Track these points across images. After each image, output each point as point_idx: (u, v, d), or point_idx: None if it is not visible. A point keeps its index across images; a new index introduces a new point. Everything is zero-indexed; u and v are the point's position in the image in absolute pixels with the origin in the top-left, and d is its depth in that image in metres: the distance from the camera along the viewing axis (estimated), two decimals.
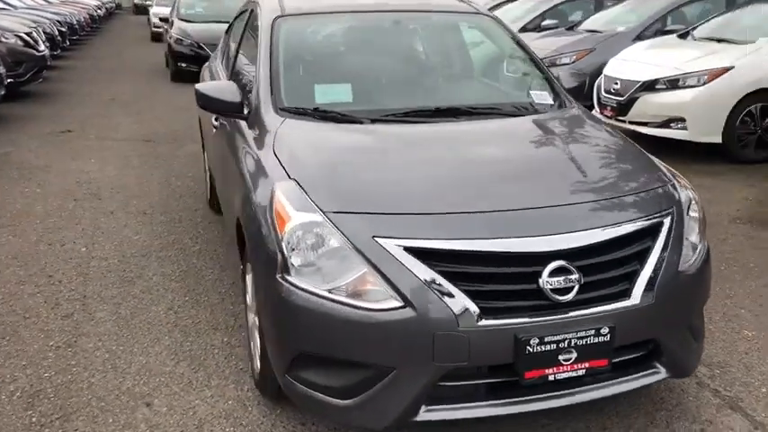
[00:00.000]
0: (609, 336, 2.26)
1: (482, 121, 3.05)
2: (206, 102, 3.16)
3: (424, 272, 2.18)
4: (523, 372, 2.21)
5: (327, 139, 2.80)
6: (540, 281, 2.21)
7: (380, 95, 3.22)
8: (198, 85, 3.21)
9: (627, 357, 2.39)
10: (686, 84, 6.38)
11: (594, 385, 2.34)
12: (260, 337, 2.61)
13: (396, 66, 3.45)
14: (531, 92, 3.37)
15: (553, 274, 2.21)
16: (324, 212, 2.33)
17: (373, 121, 2.94)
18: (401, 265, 2.19)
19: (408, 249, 2.21)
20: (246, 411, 2.78)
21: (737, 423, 2.66)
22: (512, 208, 2.34)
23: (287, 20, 3.45)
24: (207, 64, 5.53)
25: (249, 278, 2.83)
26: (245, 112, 3.14)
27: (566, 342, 2.22)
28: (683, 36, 7.52)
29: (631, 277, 2.34)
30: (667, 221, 2.47)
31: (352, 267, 2.23)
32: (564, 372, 2.25)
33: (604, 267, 2.31)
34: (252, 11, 4.04)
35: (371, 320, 2.18)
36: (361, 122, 2.92)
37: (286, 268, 2.33)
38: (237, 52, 4.07)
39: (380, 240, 2.23)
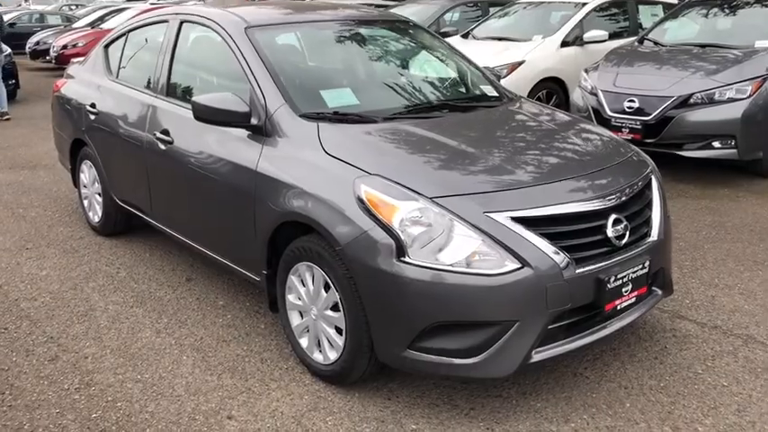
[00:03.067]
0: (648, 267, 2.90)
1: (480, 112, 3.51)
2: (211, 114, 3.16)
3: (531, 236, 2.60)
4: (604, 305, 2.75)
5: (377, 137, 3.03)
6: (607, 231, 2.76)
7: (377, 97, 3.50)
8: (197, 98, 3.19)
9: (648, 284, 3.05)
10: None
11: (632, 309, 2.95)
12: (350, 327, 2.78)
13: (374, 70, 3.73)
14: (481, 87, 3.90)
15: (613, 224, 2.78)
16: (430, 198, 2.62)
17: (385, 119, 3.23)
18: (513, 233, 2.58)
19: (515, 219, 2.61)
20: (328, 401, 2.92)
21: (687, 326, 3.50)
22: (572, 176, 2.85)
23: (256, 30, 3.54)
24: (68, 87, 5.14)
25: (307, 278, 2.96)
26: (254, 121, 3.21)
27: (626, 277, 2.80)
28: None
29: (648, 220, 3.01)
30: (653, 177, 3.19)
31: (469, 241, 2.56)
32: (626, 301, 2.84)
33: (637, 214, 2.95)
34: (179, 24, 3.99)
35: (495, 284, 2.54)
36: (376, 122, 3.19)
37: (402, 252, 2.57)
38: (171, 66, 3.97)
39: (492, 215, 2.59)
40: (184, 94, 3.88)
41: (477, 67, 4.10)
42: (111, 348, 3.37)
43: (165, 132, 3.82)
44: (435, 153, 2.91)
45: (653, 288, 3.12)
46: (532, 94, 7.74)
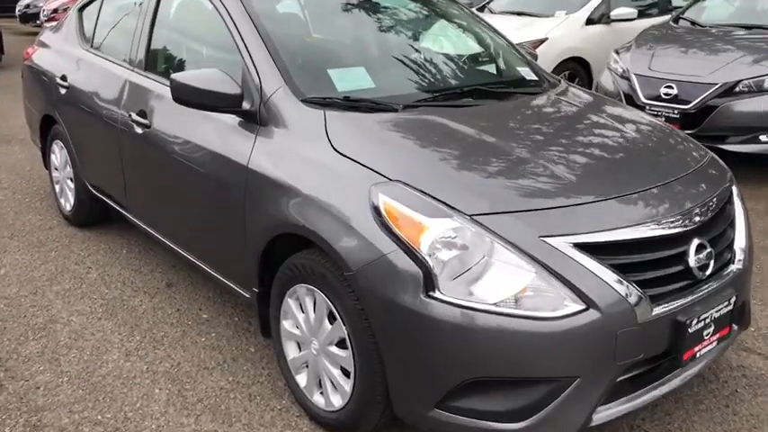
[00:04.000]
0: (733, 303, 2.32)
1: (521, 100, 2.89)
2: (193, 95, 2.56)
3: (597, 268, 2.01)
4: (683, 353, 2.17)
5: (398, 130, 2.43)
6: (689, 260, 2.18)
7: (396, 78, 2.88)
8: (177, 75, 2.58)
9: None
10: None
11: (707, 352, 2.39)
12: (360, 371, 2.21)
13: (392, 46, 3.11)
14: (518, 69, 3.29)
15: (696, 251, 2.20)
16: (469, 216, 2.03)
17: (406, 107, 2.62)
18: (576, 263, 2.00)
19: (578, 246, 2.02)
20: None
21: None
22: (645, 188, 2.26)
23: None
24: (40, 55, 4.51)
25: (307, 303, 2.39)
26: (246, 106, 2.60)
27: (709, 317, 2.22)
28: None
29: (731, 244, 2.43)
30: (734, 188, 2.60)
31: (520, 274, 1.98)
32: (706, 346, 2.27)
33: (720, 237, 2.36)
34: None
35: (552, 330, 1.96)
36: (396, 110, 2.59)
37: (431, 285, 1.99)
38: (151, 36, 3.35)
39: (549, 240, 2.01)
40: (165, 70, 3.26)
41: (512, 45, 3.48)
42: (70, 376, 2.80)
43: (142, 114, 3.21)
44: (473, 154, 2.31)
45: (731, 323, 2.55)
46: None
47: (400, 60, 3.01)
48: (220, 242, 2.84)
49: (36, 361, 2.90)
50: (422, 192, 2.11)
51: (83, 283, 3.62)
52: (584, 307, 1.97)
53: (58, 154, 4.39)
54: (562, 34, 7.26)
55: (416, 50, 3.12)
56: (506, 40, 3.48)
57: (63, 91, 4.02)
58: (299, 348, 2.54)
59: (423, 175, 2.18)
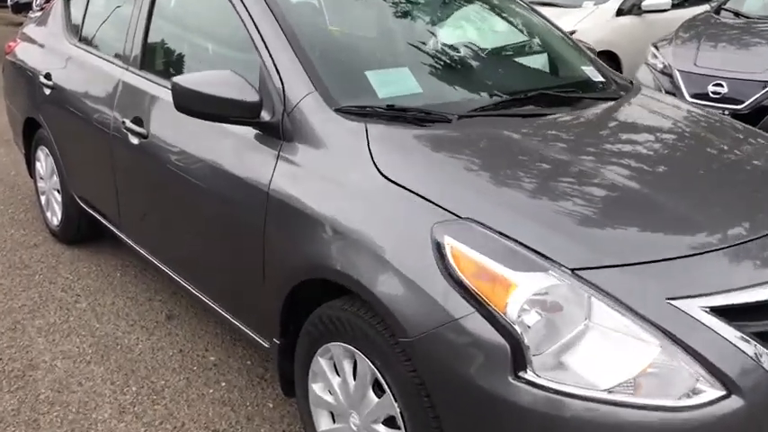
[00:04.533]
0: None
1: (601, 109, 2.38)
2: (200, 103, 2.06)
3: (737, 338, 1.52)
4: None
5: (459, 150, 1.93)
6: None
7: (445, 81, 2.38)
8: (179, 79, 2.08)
9: None
10: None
11: None
12: None
13: (438, 41, 2.60)
14: (582, 68, 2.78)
15: None
16: (570, 269, 1.54)
17: (462, 117, 2.12)
18: (710, 332, 1.50)
19: (714, 310, 1.53)
20: None
21: None
22: None
23: None
24: (23, 50, 4.00)
25: (345, 366, 1.90)
26: (267, 117, 2.10)
27: None
28: None
29: None
30: None
31: (641, 348, 1.49)
32: None
33: None
34: None
35: (687, 423, 1.47)
36: (449, 121, 2.09)
37: (521, 363, 1.50)
38: (148, 29, 2.84)
39: (677, 303, 1.51)
40: (164, 69, 2.76)
41: (571, 40, 2.97)
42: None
43: (137, 121, 2.71)
44: (561, 183, 1.81)
45: None
46: None
47: (446, 58, 2.50)
48: (233, 279, 2.35)
49: (10, 423, 2.41)
50: (503, 234, 1.61)
51: (70, 315, 3.12)
52: (724, 393, 1.48)
53: (44, 162, 3.88)
54: (591, 26, 6.73)
55: (464, 46, 2.60)
56: (564, 33, 2.97)
57: (47, 91, 3.51)
58: (333, 419, 2.05)
59: (500, 212, 1.68)
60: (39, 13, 4.56)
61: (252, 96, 2.07)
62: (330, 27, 2.48)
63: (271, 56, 2.16)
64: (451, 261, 1.60)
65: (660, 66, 5.54)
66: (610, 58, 6.94)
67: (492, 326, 1.52)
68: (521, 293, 1.52)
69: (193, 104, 2.07)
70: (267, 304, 2.16)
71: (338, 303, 1.90)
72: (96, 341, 2.91)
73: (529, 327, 1.50)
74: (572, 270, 1.53)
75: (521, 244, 1.58)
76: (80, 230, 3.78)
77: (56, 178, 3.75)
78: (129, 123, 2.74)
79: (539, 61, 2.73)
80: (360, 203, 1.83)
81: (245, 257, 2.21)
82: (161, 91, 2.63)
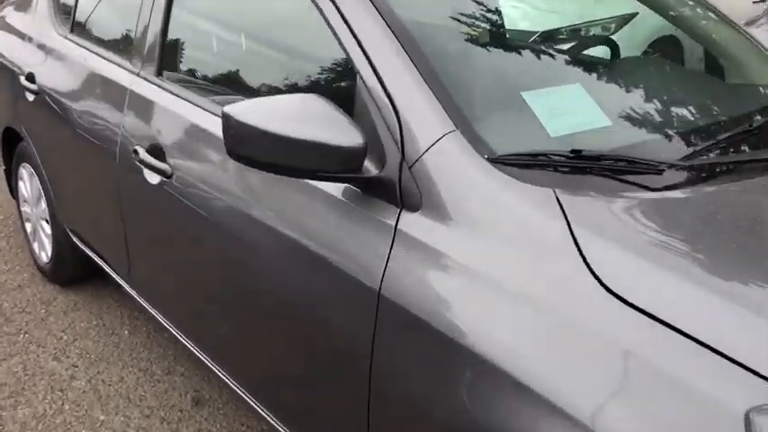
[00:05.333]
0: None
1: None
2: (275, 148, 1.27)
3: None
4: None
5: (709, 235, 1.16)
6: None
7: (628, 106, 1.58)
8: (232, 109, 1.28)
9: None
10: None
11: None
12: None
13: (607, 49, 1.81)
14: None
15: None
16: None
17: (671, 166, 1.33)
18: None
19: None
20: None
21: None
22: None
23: None
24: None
25: None
26: (373, 170, 1.32)
27: None
28: None
29: None
30: None
31: None
32: None
33: None
34: None
35: None
36: (660, 172, 1.30)
37: None
38: (168, 19, 2.02)
39: None
40: (193, 78, 1.96)
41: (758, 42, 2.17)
42: None
43: (156, 152, 1.92)
44: None
45: None
46: None
47: (625, 71, 1.70)
48: (310, 405, 1.58)
49: None
50: None
51: (65, 399, 2.35)
52: None
53: (28, 182, 3.09)
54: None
55: (649, 54, 1.82)
56: (747, 34, 2.17)
57: (30, 96, 2.71)
58: None
59: None
60: None
61: (353, 138, 1.28)
62: (471, 34, 1.65)
63: (376, 71, 1.37)
64: None
65: None
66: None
67: None
68: None
69: (258, 152, 1.28)
70: None
71: None
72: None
73: None
74: None
75: None
76: (75, 270, 3.00)
77: (44, 205, 2.96)
78: (143, 154, 1.95)
79: (730, 72, 1.94)
80: (567, 336, 1.05)
81: (334, 382, 1.44)
82: (191, 111, 1.84)
